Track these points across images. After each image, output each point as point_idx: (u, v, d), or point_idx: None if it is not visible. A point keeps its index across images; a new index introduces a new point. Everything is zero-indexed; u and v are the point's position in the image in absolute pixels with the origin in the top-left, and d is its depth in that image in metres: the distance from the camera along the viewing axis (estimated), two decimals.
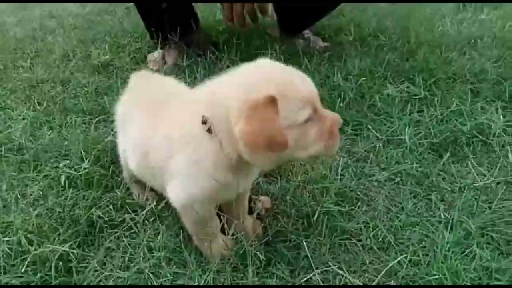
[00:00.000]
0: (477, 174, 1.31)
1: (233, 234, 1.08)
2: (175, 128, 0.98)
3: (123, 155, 1.28)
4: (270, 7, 2.15)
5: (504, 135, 1.50)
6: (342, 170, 1.41)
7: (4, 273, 1.02)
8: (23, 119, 1.75)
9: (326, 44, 2.48)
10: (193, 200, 0.99)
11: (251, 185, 1.15)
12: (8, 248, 1.05)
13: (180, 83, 1.29)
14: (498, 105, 1.67)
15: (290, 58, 2.23)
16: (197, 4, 2.47)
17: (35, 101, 1.92)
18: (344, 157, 1.46)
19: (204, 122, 0.91)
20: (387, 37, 2.42)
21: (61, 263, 1.03)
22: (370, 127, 1.62)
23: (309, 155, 0.95)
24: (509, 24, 2.59)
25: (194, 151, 0.94)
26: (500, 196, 1.23)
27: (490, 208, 1.20)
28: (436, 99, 1.75)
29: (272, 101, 0.84)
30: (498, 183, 1.30)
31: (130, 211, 1.23)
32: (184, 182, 0.99)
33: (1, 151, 1.52)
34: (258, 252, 1.03)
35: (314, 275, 1.01)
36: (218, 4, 2.77)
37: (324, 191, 1.28)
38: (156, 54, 2.39)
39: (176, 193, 1.01)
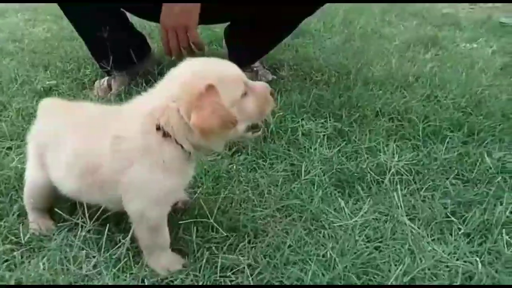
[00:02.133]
0: (366, 212, 1.32)
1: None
2: (129, 142, 1.05)
3: (32, 181, 1.27)
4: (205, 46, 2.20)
5: (398, 174, 1.53)
6: (244, 203, 1.41)
7: None
8: None
9: (274, 77, 2.53)
10: (156, 203, 1.08)
11: None
12: None
13: (97, 104, 1.35)
14: (410, 144, 1.71)
15: None
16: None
17: None
18: (247, 190, 1.46)
19: (158, 128, 1.03)
20: (328, 73, 2.49)
21: None
22: (283, 162, 1.63)
23: (248, 126, 1.13)
24: (448, 64, 2.68)
25: (157, 157, 1.04)
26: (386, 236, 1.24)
27: (374, 248, 1.21)
28: (354, 135, 1.78)
29: (212, 87, 0.99)
30: (385, 221, 1.31)
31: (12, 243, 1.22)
32: (145, 190, 1.07)
33: None
34: None
35: None
36: None
37: (213, 225, 1.27)
38: (104, 81, 2.42)
39: (135, 202, 1.08)
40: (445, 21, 4.08)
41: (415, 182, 1.52)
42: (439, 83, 2.36)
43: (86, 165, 1.12)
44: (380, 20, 3.92)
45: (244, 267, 1.13)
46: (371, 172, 1.52)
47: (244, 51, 2.44)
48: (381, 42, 3.30)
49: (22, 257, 1.17)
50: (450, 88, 2.26)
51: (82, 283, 1.08)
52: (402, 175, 1.51)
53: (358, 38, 3.42)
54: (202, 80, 1.00)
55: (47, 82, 2.45)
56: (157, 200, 1.08)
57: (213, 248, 1.20)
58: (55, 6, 4.22)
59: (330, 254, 1.16)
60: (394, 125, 1.89)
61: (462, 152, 1.66)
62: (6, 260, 1.16)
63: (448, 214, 1.36)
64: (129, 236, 1.12)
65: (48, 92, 2.33)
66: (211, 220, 1.24)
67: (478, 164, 1.57)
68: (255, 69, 2.57)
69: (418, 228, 1.30)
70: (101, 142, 1.09)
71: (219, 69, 1.08)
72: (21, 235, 1.22)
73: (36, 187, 1.27)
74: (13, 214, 1.32)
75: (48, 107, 1.34)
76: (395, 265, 1.13)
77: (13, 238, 1.24)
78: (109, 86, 2.38)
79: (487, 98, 2.12)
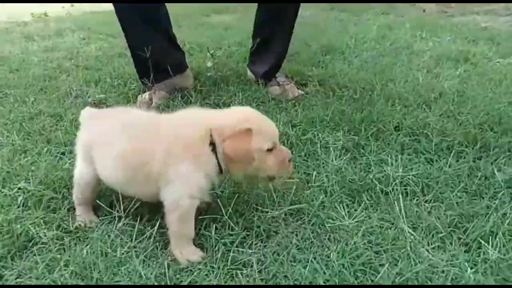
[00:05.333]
0: (371, 219, 1.44)
1: None
2: (183, 144, 1.32)
3: (81, 177, 1.51)
4: None
5: (405, 186, 1.63)
6: (260, 206, 1.57)
7: None
8: (12, 145, 2.06)
9: (300, 92, 2.69)
10: (191, 195, 1.33)
11: None
12: None
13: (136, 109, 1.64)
14: (423, 158, 1.80)
15: (260, 104, 2.48)
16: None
17: (27, 132, 2.23)
18: (264, 195, 1.62)
19: (211, 143, 1.34)
20: (353, 88, 2.61)
21: None
22: (299, 171, 1.78)
23: (267, 175, 1.43)
24: (476, 81, 2.71)
25: (203, 162, 1.33)
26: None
27: (374, 251, 1.32)
28: (369, 149, 1.90)
29: (249, 131, 1.31)
30: (388, 228, 1.42)
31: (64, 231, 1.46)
32: (185, 183, 1.32)
33: None
34: None
35: None
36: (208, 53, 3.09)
37: (230, 224, 1.44)
38: (146, 95, 2.69)
39: (175, 190, 1.32)
40: (481, 36, 4.05)
41: (423, 194, 1.61)
42: (462, 99, 2.41)
43: (135, 160, 1.36)
44: (412, 36, 3.97)
45: (253, 262, 1.29)
46: (379, 182, 1.63)
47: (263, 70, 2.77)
48: (411, 57, 3.37)
49: (70, 243, 1.39)
50: (473, 104, 2.31)
51: (116, 266, 1.28)
52: (409, 186, 1.61)
53: (388, 54, 3.51)
54: (248, 123, 1.33)
55: (97, 96, 2.77)
56: (190, 193, 1.32)
57: (228, 244, 1.36)
58: (107, 26, 4.65)
59: (331, 255, 1.29)
60: (410, 140, 1.98)
61: (473, 167, 1.73)
62: (59, 245, 1.39)
63: (450, 224, 1.44)
64: (156, 228, 1.32)
65: (98, 104, 2.63)
66: (228, 220, 1.41)
67: (486, 178, 1.63)
68: (281, 83, 2.75)
69: (419, 236, 1.39)
70: (152, 142, 1.35)
71: (264, 124, 1.39)
72: (70, 225, 1.46)
73: (84, 182, 1.51)
74: (64, 208, 1.56)
75: (89, 114, 1.60)
76: (391, 267, 1.24)
77: (64, 227, 1.48)
78: (150, 100, 2.64)
79: (507, 115, 2.14)
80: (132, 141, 1.38)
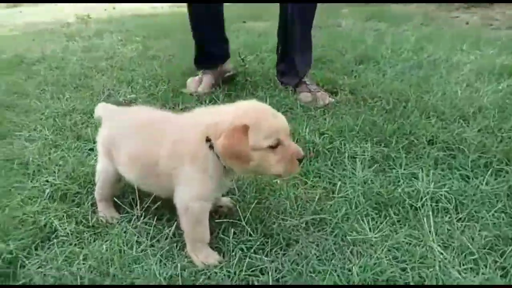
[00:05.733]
0: (398, 234, 1.36)
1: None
2: (184, 145, 1.29)
3: (102, 173, 1.53)
4: None
5: (437, 202, 1.54)
6: (281, 214, 1.53)
7: None
8: (45, 139, 2.12)
9: (331, 100, 2.63)
10: (198, 197, 1.29)
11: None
12: None
13: (153, 109, 1.61)
14: (458, 174, 1.70)
15: (288, 110, 2.45)
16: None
17: (59, 127, 2.29)
18: (285, 203, 1.57)
19: (208, 141, 1.26)
20: (386, 99, 2.52)
21: (9, 257, 1.27)
22: (324, 180, 1.72)
23: (271, 173, 1.28)
24: None
25: (202, 163, 1.27)
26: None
27: (399, 268, 1.25)
28: (400, 161, 1.81)
29: (245, 128, 1.19)
30: (416, 245, 1.33)
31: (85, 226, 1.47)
32: (191, 185, 1.29)
33: (13, 164, 1.86)
34: None
35: None
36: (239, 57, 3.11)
37: (249, 230, 1.40)
38: (196, 78, 2.92)
39: (183, 193, 1.30)
40: None
41: (456, 212, 1.51)
42: (504, 115, 2.27)
43: (146, 161, 1.36)
44: (452, 48, 3.81)
45: (270, 270, 1.24)
46: (408, 197, 1.54)
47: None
48: (450, 70, 3.23)
49: (90, 238, 1.40)
50: None
51: (132, 264, 1.27)
52: (441, 203, 1.52)
53: (425, 65, 3.38)
54: (244, 118, 1.21)
55: (128, 96, 2.82)
56: (197, 196, 1.28)
57: (245, 249, 1.33)
58: (144, 29, 4.76)
59: (352, 269, 1.23)
60: (444, 155, 1.88)
61: None
62: (79, 239, 1.40)
63: (485, 246, 1.34)
64: (173, 228, 1.31)
65: (128, 104, 2.67)
66: (247, 225, 1.37)
67: None
68: (312, 90, 2.70)
69: (450, 256, 1.30)
70: (160, 143, 1.33)
71: (263, 118, 1.23)
72: (91, 220, 1.47)
73: (105, 178, 1.52)
74: (88, 203, 1.58)
75: (105, 112, 1.61)
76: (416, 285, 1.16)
77: (85, 222, 1.49)
78: (200, 80, 2.87)
79: None
80: (144, 142, 1.39)
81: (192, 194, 1.29)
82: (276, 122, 1.25)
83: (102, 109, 1.63)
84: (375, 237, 1.38)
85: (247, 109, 1.26)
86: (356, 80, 2.98)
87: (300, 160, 1.28)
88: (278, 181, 1.70)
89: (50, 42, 4.99)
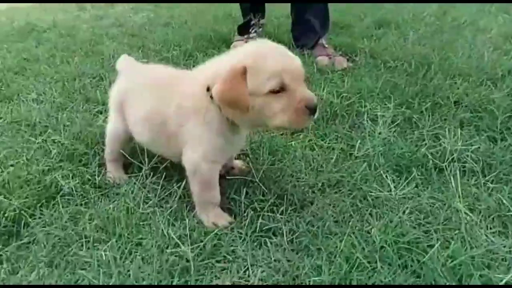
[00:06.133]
0: (420, 196, 1.27)
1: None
2: (188, 100, 1.18)
3: (113, 133, 1.46)
4: None
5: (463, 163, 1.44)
6: (296, 174, 1.45)
7: None
8: (53, 102, 2.07)
9: (350, 64, 2.51)
10: (206, 157, 1.18)
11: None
12: None
13: (166, 66, 1.49)
14: (485, 136, 1.58)
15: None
16: None
17: (68, 91, 2.23)
18: (301, 164, 1.49)
19: (208, 89, 1.13)
20: (407, 62, 2.38)
21: (13, 214, 1.23)
22: (341, 142, 1.63)
23: (275, 125, 1.10)
24: None
25: (204, 117, 1.16)
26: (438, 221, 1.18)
27: (422, 231, 1.16)
28: (423, 123, 1.70)
29: (243, 70, 1.04)
30: (440, 208, 1.24)
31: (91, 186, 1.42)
32: (198, 143, 1.18)
33: (20, 125, 1.82)
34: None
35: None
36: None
37: (262, 189, 1.33)
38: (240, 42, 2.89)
39: (191, 154, 1.20)
40: None
41: (484, 174, 1.41)
42: None
43: (156, 121, 1.28)
44: (478, 11, 3.59)
45: (284, 231, 1.17)
46: (432, 158, 1.44)
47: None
48: (475, 34, 3.04)
49: (95, 198, 1.35)
50: None
51: (140, 224, 1.21)
52: (467, 164, 1.42)
53: (449, 30, 3.20)
54: (243, 59, 1.06)
55: (139, 60, 2.72)
56: (205, 156, 1.19)
57: (258, 209, 1.25)
58: None
59: (372, 230, 1.15)
60: (471, 116, 1.76)
61: None
62: (84, 198, 1.35)
63: None
64: (181, 188, 1.24)
65: None
66: (260, 184, 1.30)
67: None
68: (329, 53, 2.58)
69: (477, 218, 1.21)
70: (169, 102, 1.24)
71: (265, 56, 1.07)
72: (97, 180, 1.42)
73: (116, 137, 1.45)
74: (95, 163, 1.52)
75: (126, 65, 1.54)
76: (442, 248, 1.08)
77: (92, 181, 1.44)
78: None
79: None
80: (153, 102, 1.30)
81: (200, 154, 1.19)
82: (281, 61, 1.06)
83: (124, 61, 1.55)
84: (395, 198, 1.29)
85: (250, 50, 1.11)
86: (376, 44, 2.83)
87: (312, 110, 1.07)
88: (293, 143, 1.62)
89: (61, 11, 4.91)
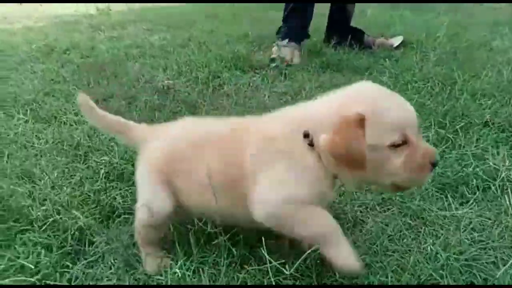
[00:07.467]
0: (475, 216, 1.31)
1: None
2: (274, 142, 1.02)
3: (158, 212, 1.14)
4: None
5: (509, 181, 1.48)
6: (346, 194, 1.48)
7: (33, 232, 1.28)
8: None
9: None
10: (289, 201, 1.00)
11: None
12: (42, 215, 1.31)
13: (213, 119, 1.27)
14: None
15: None
16: None
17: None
18: None
19: (306, 136, 1.00)
20: (431, 82, 2.45)
21: (77, 233, 1.25)
22: None
23: (392, 183, 0.98)
24: None
25: (298, 163, 0.99)
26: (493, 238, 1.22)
27: (479, 248, 1.19)
28: (459, 142, 1.75)
29: (361, 119, 0.91)
30: (491, 226, 1.28)
31: None
32: (283, 186, 1.00)
33: (64, 146, 1.85)
34: None
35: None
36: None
37: None
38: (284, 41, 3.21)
39: (269, 194, 1.01)
40: None
41: None
42: None
43: (229, 178, 1.07)
44: (490, 33, 3.70)
45: None
46: (478, 177, 1.49)
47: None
48: (491, 55, 3.13)
49: None
50: None
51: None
52: None
53: (464, 50, 3.29)
54: (357, 106, 0.93)
55: (166, 82, 2.79)
56: (289, 197, 1.00)
57: None
58: (167, 19, 4.73)
59: (431, 248, 1.18)
60: (504, 135, 1.81)
61: None
62: None
63: None
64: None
65: (167, 90, 2.65)
66: None
67: None
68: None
69: None
70: (241, 151, 1.06)
71: (382, 104, 0.94)
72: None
73: (162, 218, 1.16)
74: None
75: (147, 131, 1.27)
76: (503, 264, 1.11)
77: None
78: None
79: None
80: (219, 157, 1.10)
81: (283, 195, 0.99)
82: (403, 111, 0.95)
83: (139, 131, 1.29)
84: (445, 217, 1.33)
85: (363, 97, 0.97)
86: (397, 63, 2.91)
87: (434, 166, 0.98)
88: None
89: (76, 32, 4.99)
